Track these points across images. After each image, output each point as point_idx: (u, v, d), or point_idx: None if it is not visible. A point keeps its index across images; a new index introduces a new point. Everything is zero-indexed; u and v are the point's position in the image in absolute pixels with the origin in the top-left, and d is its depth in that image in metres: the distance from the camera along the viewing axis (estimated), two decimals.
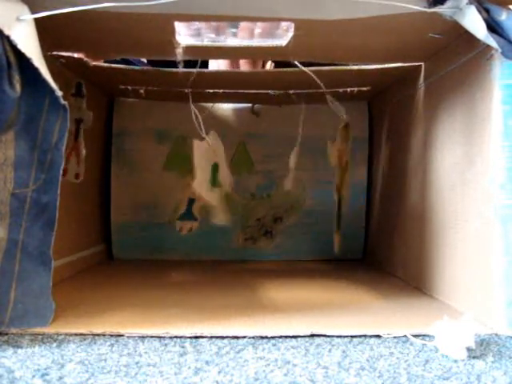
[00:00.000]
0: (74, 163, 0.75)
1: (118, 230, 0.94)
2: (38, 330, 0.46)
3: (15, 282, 0.46)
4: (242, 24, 0.70)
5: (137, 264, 0.90)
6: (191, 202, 0.94)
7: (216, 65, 0.91)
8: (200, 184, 0.81)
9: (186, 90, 0.80)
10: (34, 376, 0.36)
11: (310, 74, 0.70)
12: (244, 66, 0.90)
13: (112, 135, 0.94)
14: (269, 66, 0.97)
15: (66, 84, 0.73)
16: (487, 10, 0.44)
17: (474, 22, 0.44)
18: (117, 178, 0.94)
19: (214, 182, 0.82)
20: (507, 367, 0.39)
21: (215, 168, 0.82)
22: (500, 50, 0.44)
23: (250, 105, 0.94)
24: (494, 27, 0.44)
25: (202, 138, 0.78)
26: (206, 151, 0.81)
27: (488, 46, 0.46)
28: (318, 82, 0.71)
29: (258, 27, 0.69)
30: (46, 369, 0.37)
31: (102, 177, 0.94)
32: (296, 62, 0.70)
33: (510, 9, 0.44)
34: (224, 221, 0.84)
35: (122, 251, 0.94)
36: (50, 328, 0.46)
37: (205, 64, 0.87)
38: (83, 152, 0.77)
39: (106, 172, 0.94)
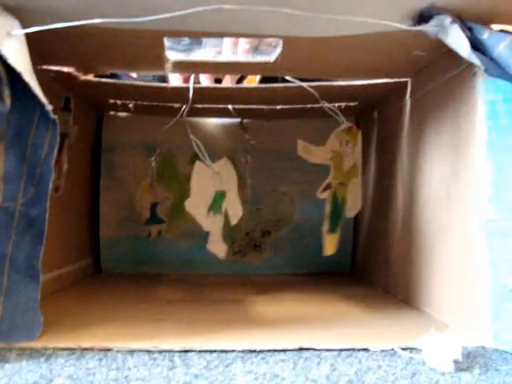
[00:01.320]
0: (55, 176, 0.75)
1: (107, 243, 0.94)
2: (25, 344, 0.45)
3: (3, 295, 0.46)
4: (228, 39, 0.70)
5: (125, 278, 0.90)
6: (154, 205, 0.94)
7: (176, 79, 0.91)
8: (194, 205, 0.77)
9: (180, 105, 0.80)
10: None
11: (308, 88, 0.70)
12: (205, 80, 0.90)
13: (101, 149, 0.94)
14: (257, 80, 0.97)
15: (56, 98, 0.73)
16: (470, 29, 0.45)
17: (457, 41, 0.45)
18: (105, 191, 0.94)
19: (216, 209, 0.78)
20: (493, 379, 0.39)
21: (221, 196, 0.77)
22: (483, 68, 0.45)
23: (238, 120, 0.95)
24: (477, 45, 0.45)
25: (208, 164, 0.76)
26: (209, 177, 0.77)
27: (472, 64, 0.47)
28: (317, 95, 0.72)
29: (246, 43, 0.70)
30: (33, 383, 0.37)
31: (91, 190, 0.94)
32: (290, 78, 0.70)
33: (491, 28, 0.46)
34: (220, 252, 0.80)
35: (111, 265, 0.94)
36: (37, 342, 0.46)
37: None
38: (65, 166, 0.76)
39: (94, 186, 0.94)
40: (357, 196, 0.80)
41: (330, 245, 0.80)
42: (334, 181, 0.78)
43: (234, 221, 0.79)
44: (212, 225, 0.78)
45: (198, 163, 0.76)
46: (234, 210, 0.79)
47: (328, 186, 0.78)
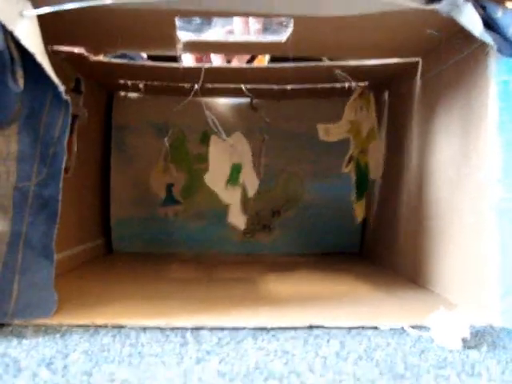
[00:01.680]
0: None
1: (118, 223, 0.95)
2: (41, 321, 0.47)
3: (18, 274, 0.47)
4: (239, 19, 0.70)
5: (137, 257, 0.91)
6: (170, 186, 0.95)
7: (189, 59, 0.91)
8: (213, 180, 0.79)
9: (191, 85, 0.80)
10: (39, 365, 0.37)
11: (325, 60, 0.70)
12: (217, 60, 0.89)
13: (111, 129, 0.95)
14: (266, 61, 0.97)
15: (66, 79, 0.73)
16: (483, 7, 0.45)
17: (470, 19, 0.45)
18: (116, 172, 0.95)
19: (234, 181, 0.80)
20: (500, 357, 0.40)
21: (237, 169, 0.79)
22: (496, 47, 0.44)
23: (248, 99, 0.95)
24: (490, 24, 0.44)
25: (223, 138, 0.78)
26: (225, 150, 0.79)
27: (485, 43, 0.47)
28: (325, 59, 0.72)
29: (257, 22, 0.70)
30: (50, 358, 0.38)
31: (102, 171, 0.95)
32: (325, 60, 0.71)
33: (505, 6, 0.45)
34: (241, 223, 0.83)
35: (122, 245, 0.95)
36: (52, 319, 0.47)
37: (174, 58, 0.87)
38: (75, 148, 0.77)
39: (105, 166, 0.95)
40: (378, 158, 0.81)
41: (358, 212, 0.86)
42: (355, 151, 0.80)
43: (251, 192, 0.81)
44: (231, 197, 0.80)
45: (213, 137, 0.78)
46: (250, 181, 0.81)
47: (350, 159, 0.80)
